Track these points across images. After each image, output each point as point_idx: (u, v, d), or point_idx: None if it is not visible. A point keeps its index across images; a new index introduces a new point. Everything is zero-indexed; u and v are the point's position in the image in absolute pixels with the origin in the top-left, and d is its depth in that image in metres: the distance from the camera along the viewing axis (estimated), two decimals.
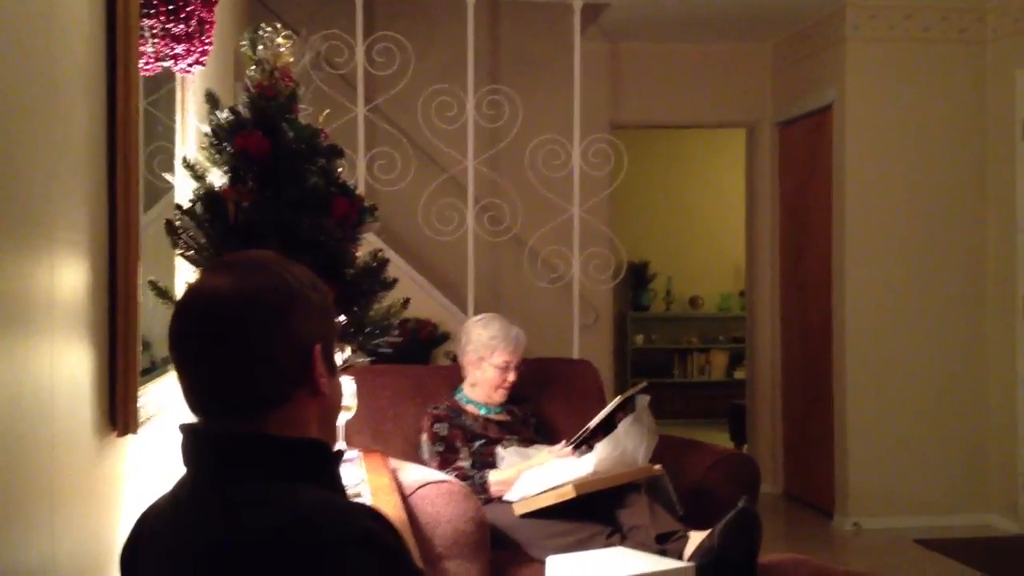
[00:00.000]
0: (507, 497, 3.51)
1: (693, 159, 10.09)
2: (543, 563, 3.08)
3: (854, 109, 6.03)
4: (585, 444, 3.70)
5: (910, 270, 6.03)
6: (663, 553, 3.16)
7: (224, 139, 2.69)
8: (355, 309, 2.80)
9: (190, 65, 2.55)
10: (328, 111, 3.10)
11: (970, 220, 6.06)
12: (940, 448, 6.02)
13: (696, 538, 3.17)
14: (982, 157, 6.04)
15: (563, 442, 3.71)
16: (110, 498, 2.18)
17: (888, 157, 6.03)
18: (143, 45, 2.35)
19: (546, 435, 3.90)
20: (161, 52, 2.45)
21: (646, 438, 3.51)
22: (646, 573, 2.88)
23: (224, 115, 2.72)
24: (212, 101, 2.77)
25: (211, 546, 1.25)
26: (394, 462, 3.47)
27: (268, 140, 2.66)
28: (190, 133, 3.16)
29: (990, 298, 6.03)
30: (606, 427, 3.69)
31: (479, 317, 4.02)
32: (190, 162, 2.76)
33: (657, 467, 3.50)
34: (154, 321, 2.49)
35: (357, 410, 3.22)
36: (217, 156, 2.71)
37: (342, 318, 2.71)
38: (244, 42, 2.81)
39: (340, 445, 2.90)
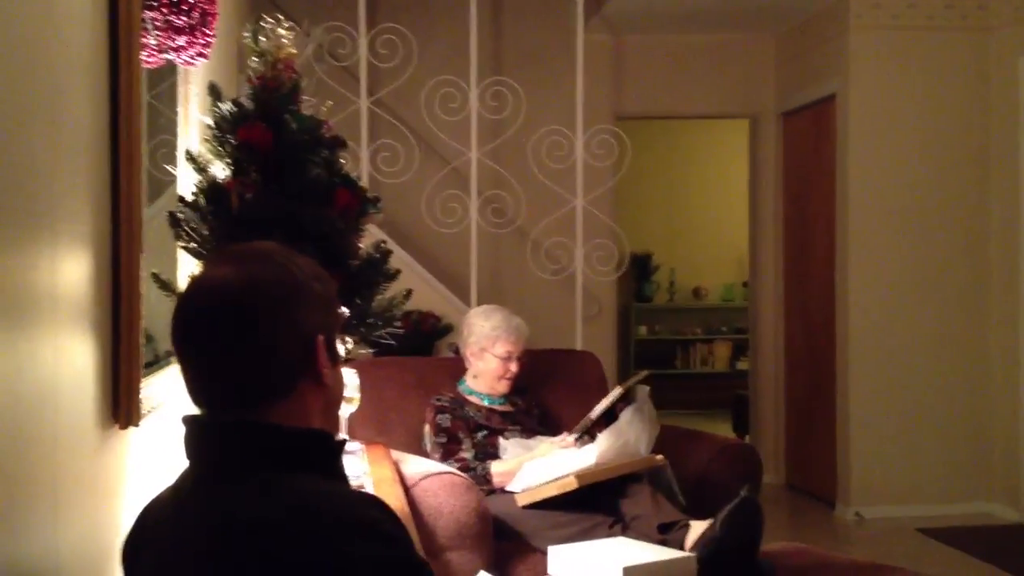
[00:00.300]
0: (509, 488, 3.52)
1: (696, 150, 10.08)
2: (545, 553, 3.09)
3: (858, 99, 6.02)
4: (587, 435, 3.70)
5: (913, 260, 6.02)
6: (665, 543, 3.16)
7: (227, 131, 2.69)
8: (358, 300, 2.80)
9: (192, 57, 2.55)
10: (331, 103, 3.10)
11: (973, 209, 6.05)
12: (942, 438, 6.02)
13: (698, 528, 3.18)
14: (985, 146, 6.04)
15: (565, 433, 3.71)
16: (113, 490, 2.18)
17: (892, 146, 6.02)
18: (145, 37, 2.35)
19: (549, 426, 3.90)
20: (163, 44, 2.45)
21: (648, 428, 3.52)
22: (648, 563, 2.88)
23: (227, 107, 2.72)
24: (215, 93, 2.77)
25: (214, 536, 1.26)
26: (396, 454, 3.48)
27: (271, 132, 2.66)
28: (193, 125, 3.16)
29: (993, 288, 6.03)
30: (607, 417, 3.70)
31: (481, 308, 4.03)
32: (193, 154, 2.76)
33: (659, 457, 3.50)
34: (157, 314, 2.49)
35: (360, 402, 3.23)
36: (220, 148, 2.71)
37: (345, 309, 2.72)
38: (247, 34, 2.80)
39: (342, 436, 2.90)
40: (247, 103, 2.73)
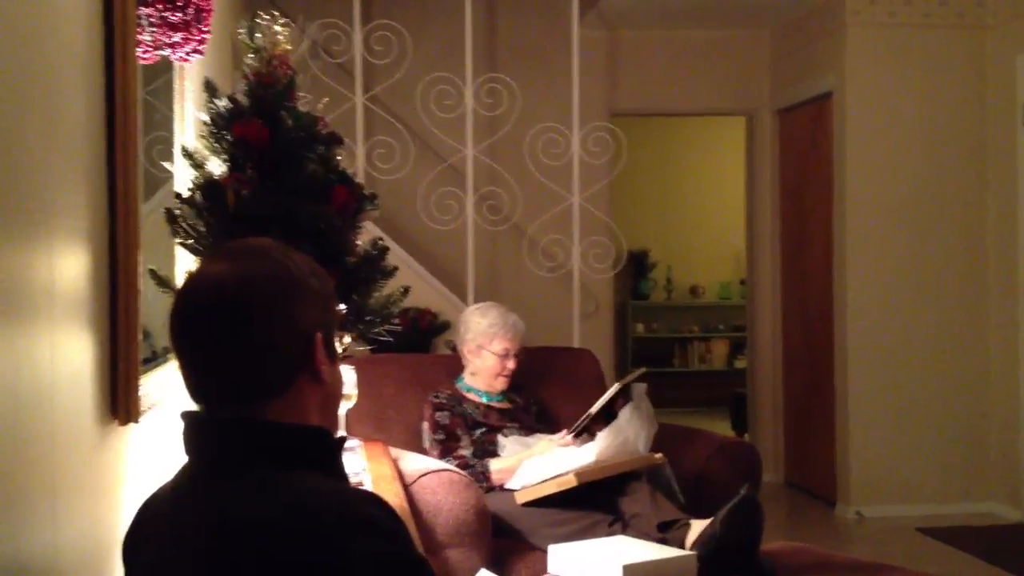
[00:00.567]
0: (509, 485, 3.51)
1: (693, 147, 10.07)
2: (545, 551, 3.08)
3: (854, 95, 6.02)
4: (585, 432, 3.69)
5: (911, 257, 6.02)
6: (664, 541, 3.15)
7: (223, 127, 2.68)
8: (355, 297, 2.80)
9: (188, 53, 2.54)
10: (326, 99, 3.09)
11: (970, 206, 6.05)
12: (942, 437, 6.01)
13: (698, 526, 3.17)
14: (982, 143, 6.03)
15: (564, 431, 3.70)
16: (112, 487, 2.17)
17: (888, 143, 6.02)
18: (141, 33, 2.34)
19: (547, 423, 3.90)
20: (159, 40, 2.44)
21: (646, 426, 3.51)
22: (648, 561, 2.87)
23: (222, 103, 2.71)
24: (210, 89, 2.76)
25: (213, 533, 1.25)
26: (395, 451, 3.47)
27: (267, 128, 2.66)
28: (189, 122, 3.15)
29: (991, 286, 6.02)
30: (605, 415, 3.69)
31: (477, 306, 4.03)
32: (189, 150, 2.75)
33: (659, 455, 3.50)
34: (154, 311, 2.48)
35: (358, 399, 3.22)
36: (216, 144, 2.70)
37: (342, 306, 2.71)
38: (242, 30, 2.79)
39: (341, 434, 2.89)
40: (243, 99, 2.72)
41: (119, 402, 2.14)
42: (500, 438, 3.69)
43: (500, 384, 3.84)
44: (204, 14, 2.55)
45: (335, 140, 2.84)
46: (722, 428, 7.56)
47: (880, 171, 6.01)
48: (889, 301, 6.01)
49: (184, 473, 1.37)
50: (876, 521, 5.86)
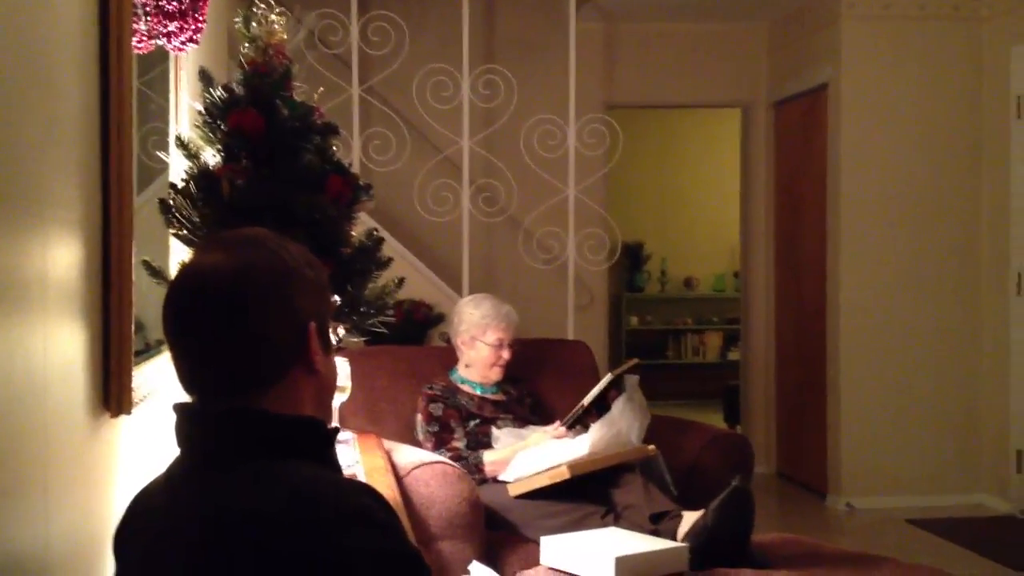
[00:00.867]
0: (502, 477, 3.51)
1: (688, 139, 10.07)
2: (537, 543, 3.08)
3: (849, 88, 6.02)
4: (579, 423, 3.70)
5: (904, 250, 6.03)
6: (657, 533, 3.16)
7: (218, 117, 2.68)
8: (350, 288, 2.79)
9: (183, 43, 2.53)
10: (322, 90, 3.09)
11: (965, 199, 6.05)
12: (933, 429, 6.03)
13: (690, 518, 3.18)
14: (977, 135, 6.04)
15: (557, 422, 3.71)
16: (104, 479, 2.17)
17: (883, 136, 6.02)
18: (136, 23, 2.33)
19: (541, 415, 3.90)
20: (154, 30, 2.44)
21: (639, 418, 3.52)
22: (640, 553, 2.88)
23: (218, 93, 2.70)
24: (206, 79, 2.75)
25: (206, 524, 1.25)
26: (388, 443, 3.47)
27: (262, 118, 2.65)
28: (184, 111, 3.15)
29: (984, 279, 6.03)
30: (598, 407, 3.69)
31: (470, 297, 4.03)
32: (184, 141, 2.75)
33: (651, 447, 3.50)
34: (148, 302, 2.48)
35: (352, 391, 3.22)
36: (211, 134, 2.69)
37: (337, 297, 2.71)
38: (238, 19, 2.79)
39: (335, 425, 2.90)
40: (238, 89, 2.72)
41: (112, 394, 2.14)
42: (494, 430, 3.69)
43: (495, 375, 3.84)
44: (200, 3, 2.54)
45: (331, 130, 2.84)
46: (715, 420, 7.57)
47: (875, 163, 6.02)
48: (882, 294, 6.02)
49: (177, 465, 1.37)
50: (867, 513, 5.88)
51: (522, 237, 5.94)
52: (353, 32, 5.38)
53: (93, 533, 2.05)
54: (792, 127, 6.79)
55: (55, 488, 1.80)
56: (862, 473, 5.99)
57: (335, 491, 1.27)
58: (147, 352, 2.61)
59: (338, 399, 3.01)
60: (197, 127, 2.74)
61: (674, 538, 3.13)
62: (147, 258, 2.55)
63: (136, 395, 2.28)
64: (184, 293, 1.36)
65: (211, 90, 2.71)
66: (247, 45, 2.76)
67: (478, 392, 3.83)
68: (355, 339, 2.96)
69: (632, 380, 3.61)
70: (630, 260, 9.82)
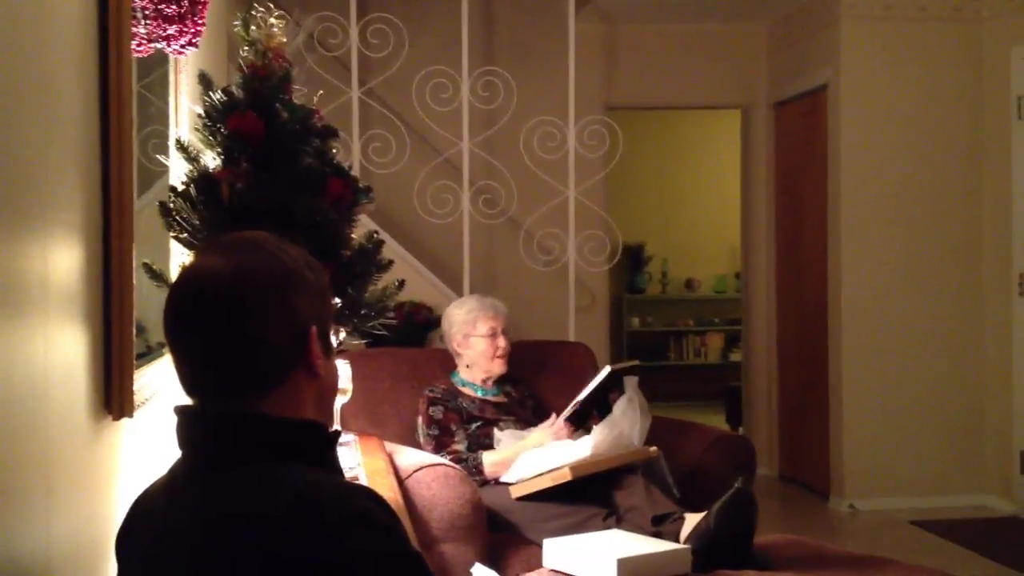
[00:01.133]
0: (504, 479, 3.51)
1: (688, 140, 10.07)
2: (539, 545, 3.08)
3: (850, 89, 6.02)
4: (579, 420, 3.67)
5: (906, 250, 6.02)
6: (659, 535, 3.16)
7: (218, 120, 2.68)
8: (350, 291, 2.79)
9: (183, 46, 2.54)
10: (322, 93, 3.08)
11: (966, 199, 6.05)
12: (936, 430, 6.02)
13: (692, 520, 3.17)
14: (978, 136, 6.03)
15: (553, 416, 3.69)
16: (105, 482, 2.17)
17: (884, 137, 6.02)
18: (136, 26, 2.33)
19: (543, 416, 3.89)
20: (154, 33, 2.44)
21: (640, 419, 3.52)
22: (643, 555, 2.88)
23: (217, 96, 2.70)
24: (205, 82, 2.75)
25: (207, 527, 1.25)
26: (390, 446, 3.47)
27: (262, 121, 2.65)
28: (183, 115, 3.15)
29: (986, 279, 6.03)
30: (598, 402, 3.67)
31: (454, 302, 4.07)
32: (184, 144, 2.75)
33: (653, 449, 3.50)
34: (149, 305, 2.47)
35: (353, 394, 3.22)
36: (211, 138, 2.69)
37: (337, 300, 2.70)
38: (237, 22, 2.78)
39: (336, 428, 2.89)
40: (238, 92, 2.71)
41: (113, 397, 2.14)
42: (495, 432, 3.69)
43: (499, 367, 3.84)
44: (199, 7, 2.54)
45: (330, 133, 2.83)
46: (716, 421, 7.56)
47: (875, 164, 6.01)
48: (884, 294, 6.01)
49: (178, 467, 1.37)
50: (870, 514, 5.87)
51: (522, 239, 5.94)
52: (352, 34, 5.38)
53: (95, 536, 2.05)
54: (792, 128, 6.79)
55: (57, 491, 1.80)
56: (865, 474, 5.99)
57: (336, 494, 1.27)
58: (148, 355, 2.60)
59: (339, 401, 3.01)
60: (197, 130, 2.74)
61: (676, 540, 3.12)
62: (148, 261, 2.55)
63: (138, 398, 2.28)
64: (185, 296, 1.36)
65: (211, 93, 2.71)
66: (246, 48, 2.76)
67: (479, 394, 3.83)
68: (356, 341, 2.96)
69: (632, 381, 3.61)
70: (631, 261, 9.82)
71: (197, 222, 2.63)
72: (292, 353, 1.35)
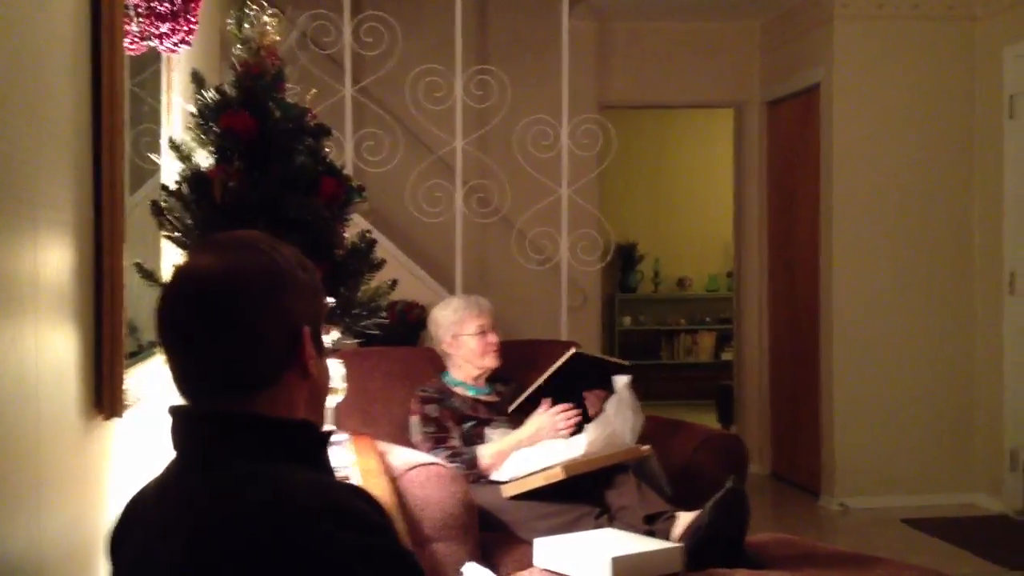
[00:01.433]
0: (496, 477, 3.51)
1: (681, 139, 10.07)
2: (531, 544, 3.08)
3: (842, 88, 6.02)
4: (521, 412, 3.64)
5: (897, 249, 6.03)
6: (651, 534, 3.16)
7: (210, 119, 2.67)
8: (343, 290, 2.79)
9: (176, 44, 2.53)
10: (315, 91, 3.08)
11: (957, 198, 6.06)
12: (927, 428, 6.04)
13: (684, 518, 3.17)
14: (970, 134, 6.04)
15: (545, 404, 3.63)
16: (96, 481, 2.16)
17: (876, 135, 6.03)
18: (128, 24, 2.32)
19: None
20: (146, 31, 2.43)
21: (632, 418, 3.52)
22: (635, 553, 2.88)
23: (210, 94, 2.70)
24: (198, 80, 2.75)
25: (200, 525, 1.24)
26: (382, 445, 3.47)
27: (255, 120, 2.64)
28: (176, 113, 3.14)
29: (977, 277, 6.04)
30: (566, 388, 3.62)
31: (438, 304, 4.05)
32: (176, 142, 2.74)
33: (645, 447, 3.50)
34: (140, 305, 2.47)
35: (346, 393, 3.21)
36: (203, 136, 2.69)
37: (330, 299, 2.70)
38: (230, 21, 2.78)
39: (328, 427, 2.89)
40: (230, 91, 2.71)
41: (104, 396, 2.14)
42: (487, 431, 3.69)
43: (491, 362, 3.83)
44: (192, 4, 2.54)
45: (323, 132, 2.83)
46: (708, 420, 7.57)
47: (868, 163, 6.02)
48: (875, 293, 6.02)
49: (171, 467, 1.37)
50: (861, 512, 5.88)
51: (515, 238, 5.94)
52: (346, 33, 5.37)
53: (86, 536, 2.04)
54: (785, 127, 6.79)
55: (47, 491, 1.79)
56: (856, 473, 6.00)
57: (327, 493, 1.27)
58: (139, 354, 2.60)
59: (332, 401, 3.01)
60: (189, 129, 2.74)
61: (669, 539, 3.13)
62: (139, 260, 2.54)
63: (128, 397, 2.28)
64: (177, 296, 1.35)
65: (203, 92, 2.71)
66: (239, 46, 2.76)
67: (471, 394, 3.83)
68: (348, 341, 2.96)
69: (623, 380, 3.60)
70: (623, 260, 9.82)
71: (189, 221, 2.62)
72: (285, 353, 1.35)
